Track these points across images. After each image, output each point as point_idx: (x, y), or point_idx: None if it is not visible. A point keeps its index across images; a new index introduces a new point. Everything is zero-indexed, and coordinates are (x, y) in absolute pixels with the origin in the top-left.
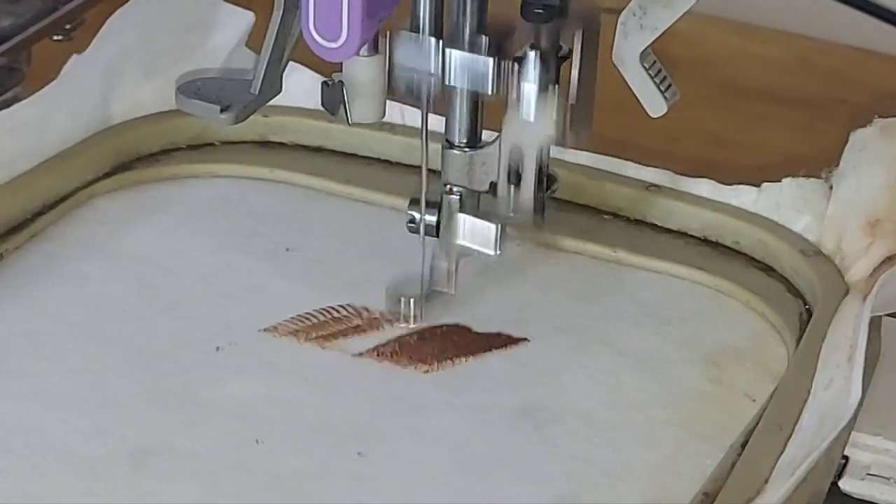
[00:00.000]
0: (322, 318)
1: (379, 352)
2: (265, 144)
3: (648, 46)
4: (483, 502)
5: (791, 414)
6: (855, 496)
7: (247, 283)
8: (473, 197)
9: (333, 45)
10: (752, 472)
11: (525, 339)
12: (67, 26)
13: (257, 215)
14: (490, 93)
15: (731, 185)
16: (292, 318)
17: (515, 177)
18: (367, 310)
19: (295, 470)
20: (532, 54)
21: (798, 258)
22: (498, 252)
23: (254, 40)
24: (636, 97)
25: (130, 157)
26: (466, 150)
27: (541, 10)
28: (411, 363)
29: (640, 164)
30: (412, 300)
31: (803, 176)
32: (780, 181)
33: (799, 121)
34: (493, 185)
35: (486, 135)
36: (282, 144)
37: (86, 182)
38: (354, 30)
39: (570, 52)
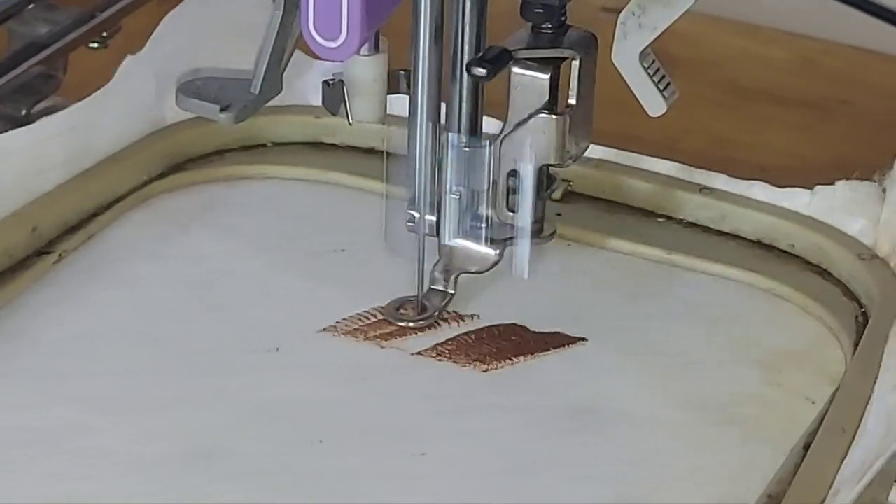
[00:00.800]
0: (380, 317)
1: (438, 351)
2: (317, 145)
3: (648, 46)
4: (537, 503)
5: (854, 416)
6: None
7: (301, 283)
8: (473, 196)
9: (333, 44)
10: (816, 474)
11: (583, 339)
12: (104, 33)
13: (310, 216)
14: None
15: (783, 187)
16: (350, 317)
17: (513, 202)
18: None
19: (352, 470)
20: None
21: (854, 262)
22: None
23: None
24: (635, 97)
25: (184, 158)
26: (466, 149)
27: (540, 10)
28: (470, 362)
29: (691, 166)
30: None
31: (856, 179)
32: (832, 184)
33: (802, 121)
34: (494, 184)
35: (487, 128)
36: (333, 146)
37: (140, 183)
38: (354, 29)
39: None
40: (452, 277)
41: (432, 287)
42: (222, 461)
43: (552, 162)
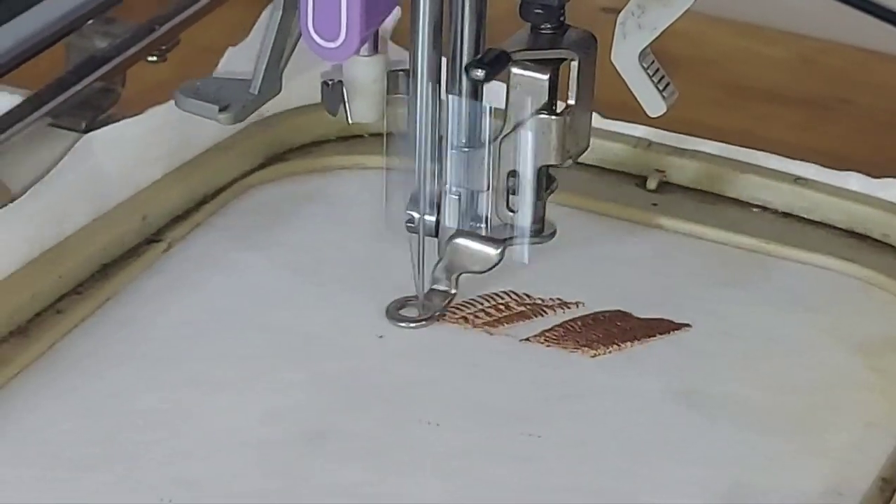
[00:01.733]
0: (487, 304)
1: (546, 337)
2: None
3: (647, 46)
4: (653, 486)
5: None
6: None
7: (404, 271)
8: (473, 196)
9: (332, 45)
10: None
11: (688, 325)
12: (163, 47)
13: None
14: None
15: (878, 178)
16: (458, 304)
17: (513, 202)
18: (528, 296)
19: (465, 450)
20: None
21: None
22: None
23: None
24: (634, 97)
25: (283, 149)
26: (466, 149)
27: (540, 10)
28: (578, 347)
29: (784, 156)
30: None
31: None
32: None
33: (802, 121)
34: (494, 184)
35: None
36: None
37: (242, 173)
38: (353, 30)
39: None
40: (454, 277)
41: (434, 287)
42: (336, 442)
43: (551, 162)
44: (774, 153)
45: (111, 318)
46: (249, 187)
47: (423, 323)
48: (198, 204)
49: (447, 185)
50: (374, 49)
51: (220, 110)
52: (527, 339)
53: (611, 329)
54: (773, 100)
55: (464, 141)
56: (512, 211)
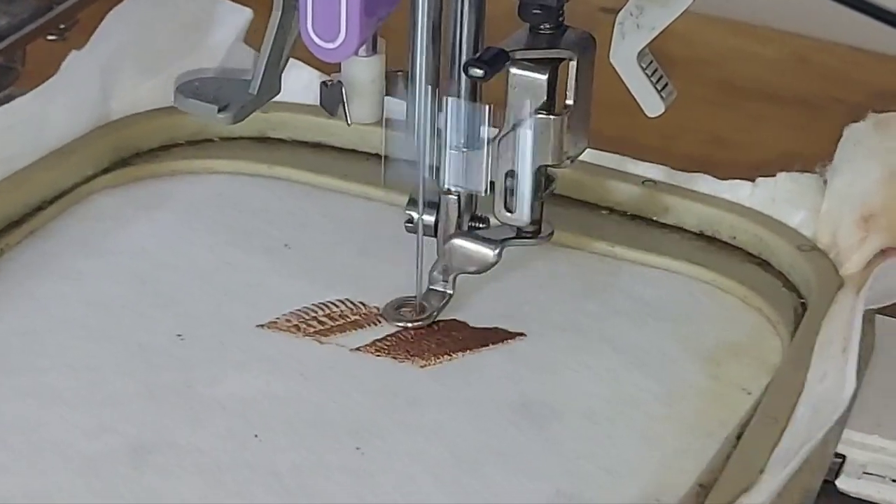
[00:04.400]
0: (320, 313)
1: (377, 346)
2: (264, 140)
3: (646, 46)
4: (482, 499)
5: (786, 406)
6: (852, 495)
7: (245, 279)
8: (472, 197)
9: (331, 45)
10: (747, 463)
11: (522, 334)
12: (62, 26)
13: (256, 211)
14: (484, 194)
15: (725, 179)
16: (290, 313)
17: (511, 203)
18: (364, 305)
19: (294, 465)
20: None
21: (794, 253)
22: (495, 259)
23: (253, 38)
24: (633, 97)
25: (129, 153)
26: (465, 150)
27: (538, 11)
28: (409, 358)
29: (636, 159)
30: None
31: (798, 171)
32: (773, 175)
33: (796, 120)
34: (492, 184)
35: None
36: (281, 140)
37: (85, 178)
38: (353, 30)
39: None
40: (451, 278)
41: (431, 287)
42: (163, 456)
43: (550, 162)
44: (765, 152)
45: None
46: (92, 192)
47: (420, 323)
48: (36, 209)
49: (446, 186)
50: (373, 49)
51: (220, 110)
52: (357, 349)
53: (443, 339)
54: (768, 99)
55: (462, 141)
56: (510, 211)
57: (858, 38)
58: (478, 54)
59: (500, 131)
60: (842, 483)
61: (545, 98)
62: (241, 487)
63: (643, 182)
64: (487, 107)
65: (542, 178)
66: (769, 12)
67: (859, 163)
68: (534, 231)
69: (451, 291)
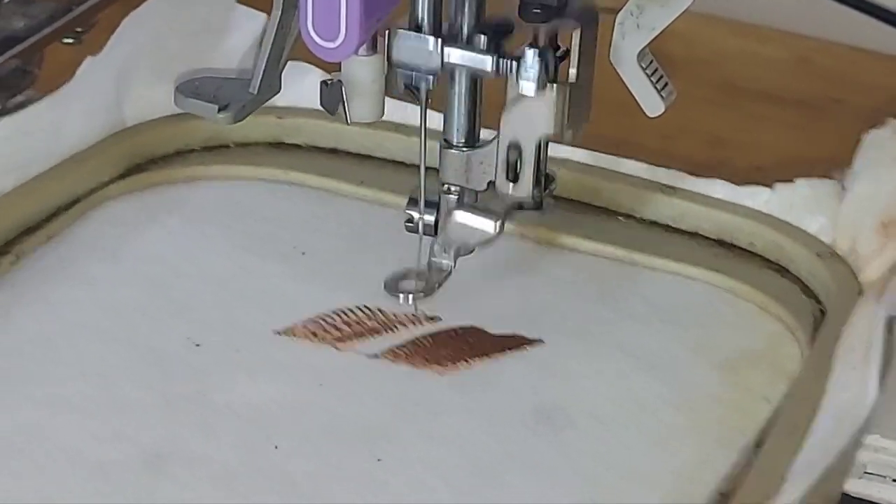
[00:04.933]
0: (338, 319)
1: (394, 353)
2: (279, 146)
3: (646, 46)
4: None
5: (806, 415)
6: (852, 495)
7: (261, 285)
8: (471, 196)
9: (332, 44)
10: (767, 472)
11: (540, 341)
12: (79, 29)
13: (271, 217)
14: (490, 73)
15: (743, 185)
16: (307, 319)
17: (513, 174)
18: (381, 311)
19: (310, 473)
20: (530, 52)
21: (813, 259)
22: (496, 232)
23: None
24: (633, 97)
25: (144, 159)
26: (464, 149)
27: (539, 10)
28: (427, 365)
29: (653, 164)
30: (411, 296)
31: (817, 177)
32: (792, 181)
33: (797, 120)
34: (491, 185)
35: (485, 133)
36: (296, 146)
37: (100, 184)
38: (353, 29)
39: (568, 50)
40: (452, 252)
41: (433, 259)
42: (177, 464)
43: (552, 132)
44: (765, 153)
45: None
46: (108, 198)
47: (422, 294)
48: (51, 216)
49: (445, 185)
50: (374, 49)
51: (220, 110)
52: (375, 356)
53: (461, 345)
54: (768, 99)
55: (462, 140)
56: (512, 182)
57: (859, 38)
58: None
59: (500, 123)
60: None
61: (546, 82)
62: (255, 496)
63: (661, 188)
64: None
65: (543, 175)
66: (770, 12)
67: (879, 169)
68: (535, 204)
69: (452, 265)
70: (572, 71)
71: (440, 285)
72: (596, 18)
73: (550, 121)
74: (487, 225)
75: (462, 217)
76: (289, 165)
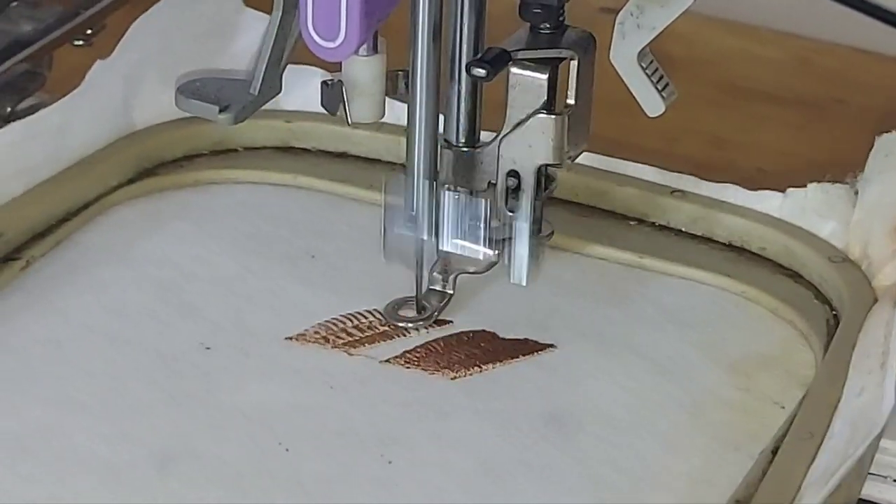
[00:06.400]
0: (349, 324)
1: (406, 358)
2: (288, 150)
3: (646, 46)
4: None
5: (822, 421)
6: None
7: (270, 289)
8: (471, 198)
9: (332, 44)
10: (784, 479)
11: (552, 346)
12: (88, 31)
13: (280, 221)
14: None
15: (754, 190)
16: (318, 324)
17: (513, 202)
18: None
19: (320, 476)
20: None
21: (825, 264)
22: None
23: None
24: (633, 97)
25: (153, 163)
26: (465, 149)
27: (539, 10)
28: (438, 369)
29: (663, 168)
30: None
31: (828, 181)
32: (804, 186)
33: (797, 121)
34: (492, 185)
35: (485, 135)
36: (305, 150)
37: (109, 188)
38: (353, 30)
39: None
40: (451, 278)
41: (431, 287)
42: (188, 466)
43: (551, 162)
44: (766, 153)
45: None
46: (117, 203)
47: (420, 323)
48: (61, 220)
49: (445, 185)
50: (374, 49)
51: (221, 111)
52: (387, 361)
53: (473, 350)
54: (769, 100)
55: (462, 142)
56: (511, 211)
57: (860, 39)
58: (479, 55)
59: (500, 130)
60: None
61: (546, 97)
62: (265, 498)
63: (672, 192)
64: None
65: (543, 179)
66: (770, 13)
67: (891, 173)
68: (533, 231)
69: (450, 291)
70: (571, 99)
71: (439, 313)
72: (593, 44)
73: (550, 150)
74: (486, 252)
75: (461, 244)
76: (298, 169)
